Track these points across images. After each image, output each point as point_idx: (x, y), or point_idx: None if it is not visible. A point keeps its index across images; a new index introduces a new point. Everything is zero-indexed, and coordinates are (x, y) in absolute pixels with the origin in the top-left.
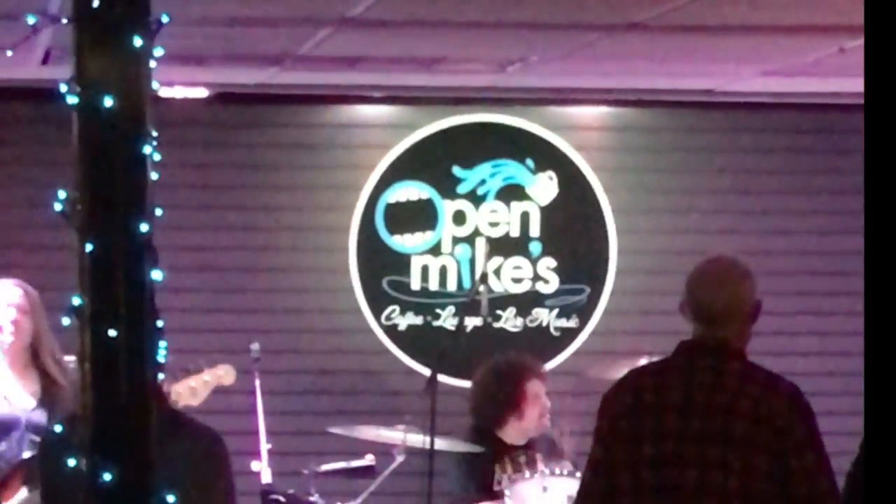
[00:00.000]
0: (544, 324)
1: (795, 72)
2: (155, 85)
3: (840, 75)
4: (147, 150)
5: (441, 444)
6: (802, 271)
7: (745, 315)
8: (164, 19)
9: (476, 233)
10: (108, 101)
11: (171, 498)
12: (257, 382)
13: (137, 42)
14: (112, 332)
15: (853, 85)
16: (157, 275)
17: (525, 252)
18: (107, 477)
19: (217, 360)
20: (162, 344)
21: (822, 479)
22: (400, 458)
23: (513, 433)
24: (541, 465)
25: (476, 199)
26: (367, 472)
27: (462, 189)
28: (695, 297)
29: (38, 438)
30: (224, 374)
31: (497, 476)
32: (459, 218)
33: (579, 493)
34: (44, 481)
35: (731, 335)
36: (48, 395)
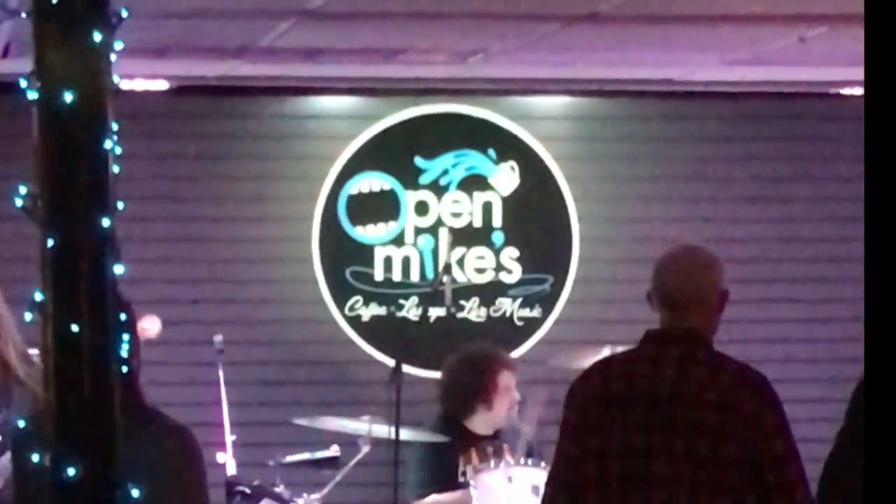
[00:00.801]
0: (508, 314)
1: (756, 61)
2: (116, 78)
3: (800, 64)
4: (108, 144)
5: (406, 434)
6: (766, 259)
7: (712, 304)
8: (124, 14)
9: (439, 223)
10: (69, 96)
11: (135, 492)
12: (221, 374)
13: (97, 36)
14: (74, 327)
15: (813, 73)
16: (119, 269)
17: (488, 242)
18: (71, 472)
19: (181, 353)
20: (126, 337)
21: (790, 467)
22: (365, 449)
23: (481, 424)
24: (507, 456)
25: (438, 189)
26: (333, 462)
27: (424, 179)
28: (662, 286)
29: None
30: (149, 325)
31: (461, 467)
32: (422, 208)
33: (548, 483)
34: (15, 477)
35: (699, 324)
36: (5, 390)
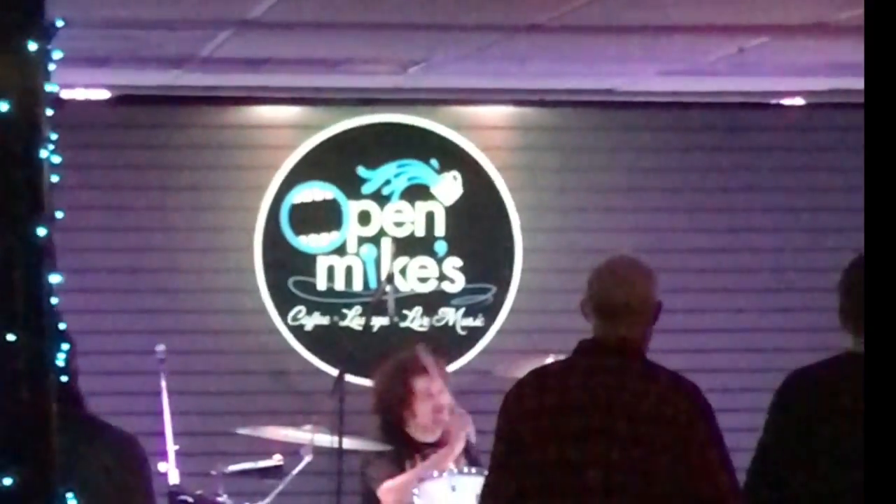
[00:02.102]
0: (451, 323)
1: (695, 71)
2: (55, 87)
3: (739, 74)
4: (44, 153)
5: (349, 443)
6: (706, 269)
7: (646, 314)
8: (59, 23)
9: (381, 233)
10: (3, 105)
11: (72, 502)
12: (163, 383)
13: (32, 45)
14: (10, 337)
15: (752, 84)
16: (55, 278)
17: (430, 252)
18: (7, 481)
19: (123, 362)
20: (65, 347)
21: (723, 476)
22: (308, 458)
23: (417, 431)
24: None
25: (381, 199)
26: (276, 472)
27: (367, 189)
28: (596, 296)
29: None
30: None
31: None
32: (365, 218)
33: (483, 493)
34: None
35: (632, 334)
36: None
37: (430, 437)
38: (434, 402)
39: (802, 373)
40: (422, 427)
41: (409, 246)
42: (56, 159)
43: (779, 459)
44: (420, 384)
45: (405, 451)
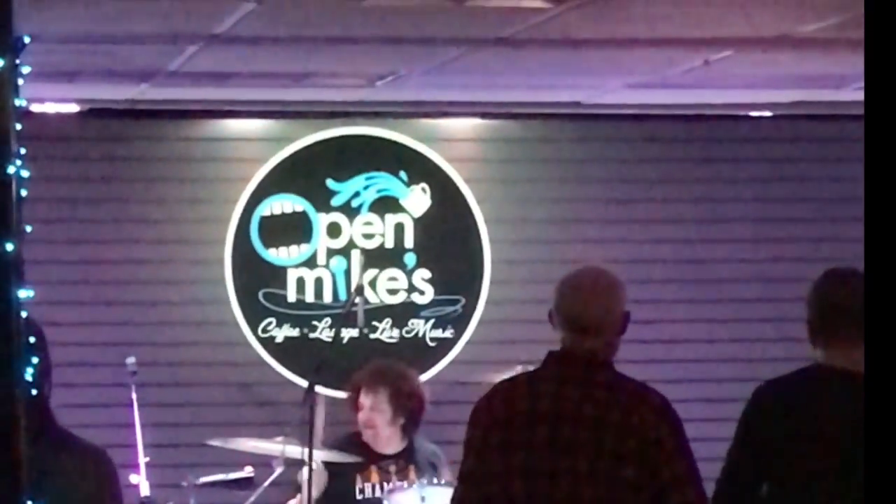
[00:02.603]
0: (420, 334)
1: (662, 84)
2: (23, 102)
3: (705, 86)
4: (11, 169)
5: (319, 454)
6: (673, 280)
7: (613, 326)
8: (26, 39)
9: (351, 245)
10: None
11: None
12: (134, 395)
13: None
14: None
15: (719, 96)
16: (24, 293)
17: (400, 264)
18: None
19: (93, 375)
20: (34, 360)
21: (691, 488)
22: (279, 470)
23: (375, 442)
24: (413, 475)
25: (350, 211)
26: (247, 483)
27: (336, 201)
28: (563, 308)
29: None
30: None
31: (359, 485)
32: (334, 230)
33: (452, 503)
34: None
35: (599, 346)
36: None
37: (390, 449)
38: (363, 415)
39: (771, 387)
40: (375, 438)
41: (378, 258)
42: (25, 173)
43: (746, 474)
44: (362, 398)
45: (364, 461)
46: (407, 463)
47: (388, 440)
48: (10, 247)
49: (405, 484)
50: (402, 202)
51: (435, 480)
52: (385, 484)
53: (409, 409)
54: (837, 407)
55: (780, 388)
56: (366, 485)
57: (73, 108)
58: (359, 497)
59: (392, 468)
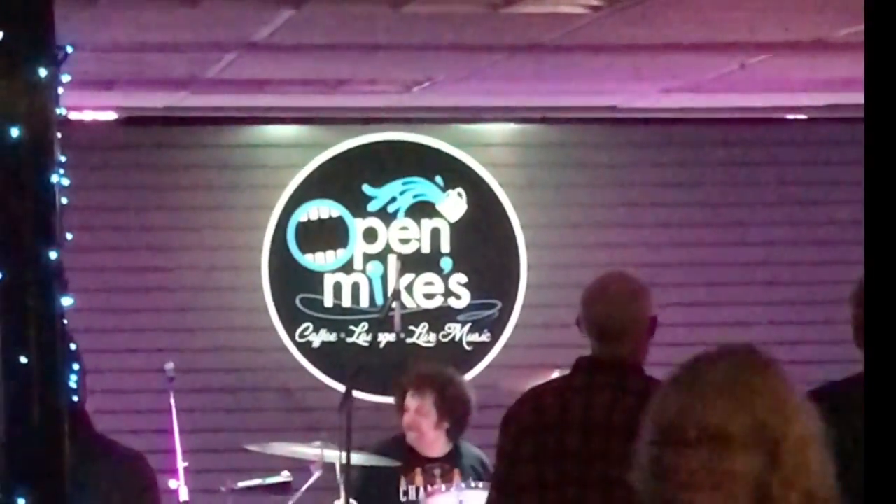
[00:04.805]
0: (457, 338)
1: (697, 88)
2: (62, 111)
3: (741, 90)
4: (55, 178)
5: (357, 458)
6: (710, 283)
7: (640, 331)
8: (69, 49)
9: (387, 250)
10: (15, 132)
11: None
12: (172, 401)
13: (42, 72)
14: (23, 359)
15: (753, 99)
16: (67, 301)
17: (436, 268)
18: (21, 503)
19: (132, 381)
20: (76, 367)
21: None
22: (317, 474)
23: (419, 444)
24: (457, 479)
25: (387, 216)
26: (284, 488)
27: (372, 207)
28: (589, 315)
29: None
30: None
31: (403, 487)
32: (370, 235)
33: None
34: None
35: (627, 351)
36: None
37: (434, 452)
38: (408, 417)
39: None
40: (419, 441)
41: (414, 262)
42: (65, 182)
43: None
44: (408, 400)
45: (407, 464)
46: (452, 467)
47: (432, 443)
48: (52, 255)
49: (443, 486)
50: (438, 207)
51: (473, 484)
52: (429, 486)
53: (455, 413)
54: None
55: (823, 398)
56: (410, 487)
57: (112, 116)
58: (402, 499)
59: (437, 471)
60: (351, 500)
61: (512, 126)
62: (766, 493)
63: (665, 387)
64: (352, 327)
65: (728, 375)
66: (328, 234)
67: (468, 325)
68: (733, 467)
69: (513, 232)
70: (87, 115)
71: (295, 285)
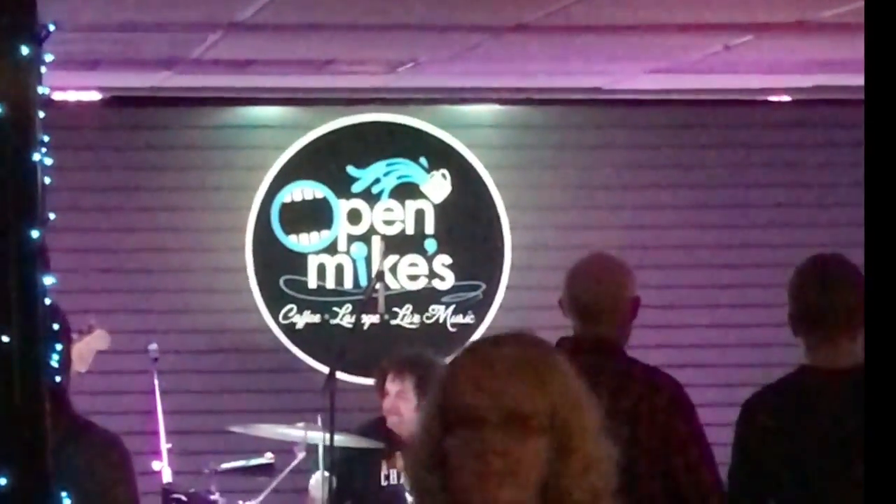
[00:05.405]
0: (441, 320)
1: (682, 69)
2: (46, 90)
3: (725, 72)
4: (37, 156)
5: (340, 440)
6: (692, 265)
7: (622, 312)
8: (51, 28)
9: (371, 231)
10: None
11: (67, 502)
12: (156, 382)
13: (24, 50)
14: (4, 338)
15: (739, 81)
16: (49, 280)
17: (420, 250)
18: (2, 481)
19: (116, 362)
20: (58, 347)
21: (705, 473)
22: (300, 456)
23: (402, 429)
24: None
25: (371, 197)
26: (268, 469)
27: (357, 188)
28: (572, 295)
29: None
30: (99, 341)
31: (384, 471)
32: (355, 216)
33: None
34: None
35: (609, 332)
36: None
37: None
38: (390, 402)
39: (759, 400)
40: (398, 424)
41: (399, 244)
42: (48, 161)
43: (750, 494)
44: (388, 384)
45: (388, 447)
46: None
47: (413, 427)
48: (35, 234)
49: None
50: (423, 188)
51: None
52: None
53: None
54: (828, 411)
55: (768, 401)
56: (391, 471)
57: (95, 96)
58: (384, 483)
59: None
60: (333, 477)
61: (496, 107)
62: (552, 484)
63: (451, 368)
64: (336, 309)
65: (521, 357)
66: (312, 216)
67: (452, 307)
68: (526, 453)
69: (497, 213)
70: (71, 96)
71: (279, 267)
